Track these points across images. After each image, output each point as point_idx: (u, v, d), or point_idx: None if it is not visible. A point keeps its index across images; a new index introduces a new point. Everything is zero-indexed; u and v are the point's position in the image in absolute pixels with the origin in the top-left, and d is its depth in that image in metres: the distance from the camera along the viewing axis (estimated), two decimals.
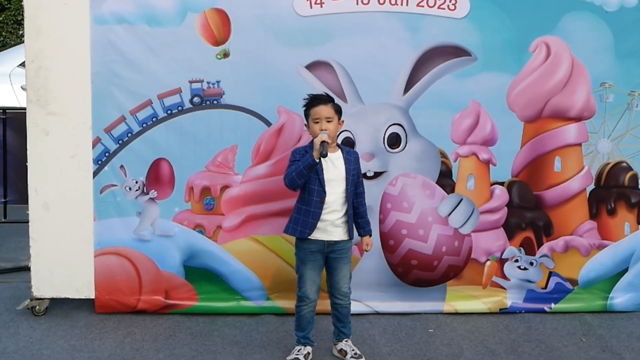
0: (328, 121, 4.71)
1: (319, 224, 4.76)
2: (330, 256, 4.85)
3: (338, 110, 4.83)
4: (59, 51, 5.47)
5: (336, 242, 4.82)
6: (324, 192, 4.71)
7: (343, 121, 4.92)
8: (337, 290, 4.91)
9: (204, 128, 5.64)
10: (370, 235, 5.10)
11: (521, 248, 5.91)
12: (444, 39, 5.64)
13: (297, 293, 4.90)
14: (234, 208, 5.72)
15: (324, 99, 4.81)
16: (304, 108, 4.85)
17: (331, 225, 4.78)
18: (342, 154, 4.86)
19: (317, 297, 4.90)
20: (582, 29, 5.73)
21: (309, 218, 4.74)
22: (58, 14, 5.44)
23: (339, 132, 5.03)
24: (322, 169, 4.71)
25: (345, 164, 4.82)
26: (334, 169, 4.77)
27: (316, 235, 4.78)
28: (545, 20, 5.70)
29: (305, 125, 4.90)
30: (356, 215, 4.95)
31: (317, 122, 4.72)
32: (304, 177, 4.65)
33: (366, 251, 5.09)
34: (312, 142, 4.70)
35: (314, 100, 4.81)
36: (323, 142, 4.55)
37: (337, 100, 4.98)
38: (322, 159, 4.59)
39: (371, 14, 5.59)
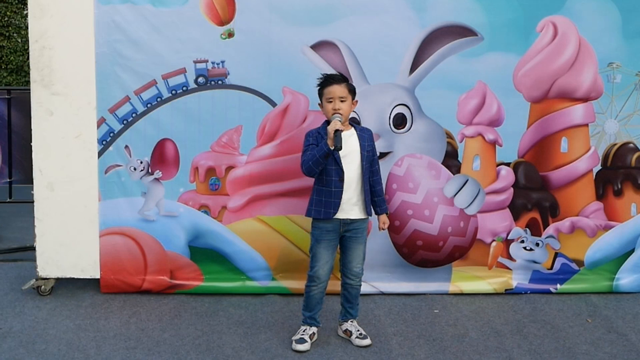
0: (342, 101, 4.68)
1: None
2: (346, 235, 4.83)
3: (352, 90, 4.79)
4: (63, 31, 5.46)
5: (352, 221, 4.80)
6: (342, 170, 4.68)
7: (357, 101, 4.88)
8: (349, 270, 4.89)
9: (208, 108, 5.62)
10: (387, 214, 5.08)
11: (527, 229, 5.90)
12: (450, 19, 5.60)
13: (309, 273, 4.87)
14: (239, 188, 5.71)
15: (338, 79, 4.77)
16: (318, 87, 4.82)
17: (347, 203, 4.75)
18: (356, 131, 4.83)
19: (328, 278, 4.87)
20: (589, 8, 5.68)
21: (331, 198, 4.71)
22: None
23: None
24: None
25: (359, 140, 4.79)
26: (347, 146, 4.72)
27: None
28: (552, 0, 5.65)
29: (319, 104, 4.86)
30: (372, 193, 4.92)
31: (331, 102, 4.69)
32: (320, 165, 4.63)
33: (382, 229, 5.07)
34: (325, 123, 4.70)
35: (327, 80, 4.77)
36: (337, 131, 4.51)
37: None
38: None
39: None
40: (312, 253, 4.88)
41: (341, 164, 4.68)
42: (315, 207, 4.80)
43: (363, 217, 4.83)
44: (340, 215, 4.75)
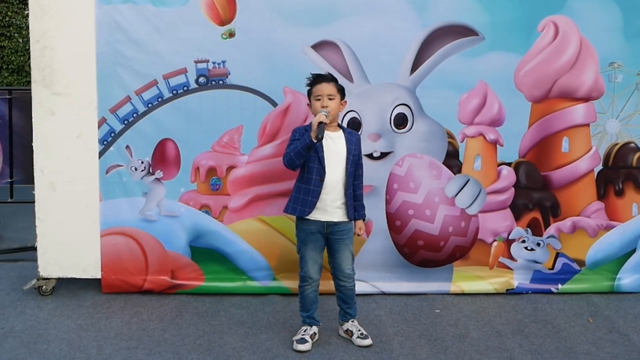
0: (330, 99, 4.70)
1: (318, 204, 4.74)
2: (331, 238, 4.84)
3: (340, 90, 4.81)
4: (64, 31, 5.47)
5: (335, 224, 4.81)
6: (324, 171, 4.70)
7: (346, 102, 4.89)
8: (340, 272, 4.90)
9: (209, 108, 5.62)
10: (364, 220, 5.08)
11: (528, 229, 5.89)
12: (451, 18, 5.60)
13: (300, 273, 4.89)
14: (239, 188, 5.71)
15: (327, 78, 4.81)
16: (308, 87, 4.84)
17: (330, 205, 4.77)
18: (344, 134, 4.84)
19: (319, 276, 4.89)
20: (590, 8, 5.68)
21: (308, 197, 4.73)
22: None
23: (344, 114, 5.00)
24: (322, 148, 4.69)
25: (346, 143, 4.80)
26: (334, 147, 4.75)
27: (315, 215, 4.77)
28: None
29: (308, 104, 4.88)
30: (352, 197, 4.94)
31: (319, 99, 4.71)
32: (302, 157, 4.64)
33: (358, 235, 5.05)
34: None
35: (316, 78, 4.81)
36: (321, 123, 4.53)
37: (343, 80, 4.95)
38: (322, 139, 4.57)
39: None
40: (300, 254, 4.91)
41: (324, 164, 4.70)
42: (292, 203, 4.82)
43: (346, 219, 4.84)
44: (324, 217, 4.78)
